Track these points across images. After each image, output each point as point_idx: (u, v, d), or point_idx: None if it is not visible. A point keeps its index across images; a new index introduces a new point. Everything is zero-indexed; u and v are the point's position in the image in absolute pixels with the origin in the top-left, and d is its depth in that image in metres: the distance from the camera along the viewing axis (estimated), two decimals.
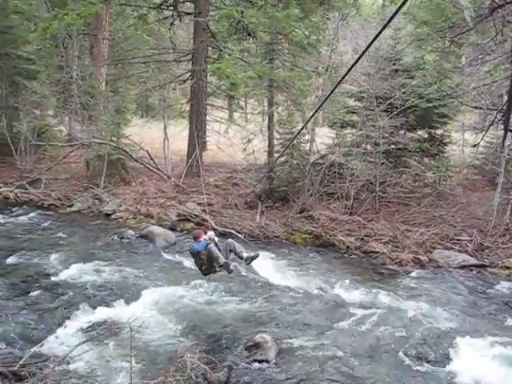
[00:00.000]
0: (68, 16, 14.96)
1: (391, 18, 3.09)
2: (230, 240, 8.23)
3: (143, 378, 5.86)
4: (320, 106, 8.40)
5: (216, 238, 7.99)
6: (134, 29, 18.97)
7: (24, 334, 7.08)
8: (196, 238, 7.99)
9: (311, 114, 14.77)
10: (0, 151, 19.23)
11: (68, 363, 6.04)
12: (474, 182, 15.73)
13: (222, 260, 7.46)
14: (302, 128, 10.02)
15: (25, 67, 20.67)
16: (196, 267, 8.03)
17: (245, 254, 7.90)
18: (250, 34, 15.83)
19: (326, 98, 10.50)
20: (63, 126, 22.92)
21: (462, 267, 10.66)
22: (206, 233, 8.08)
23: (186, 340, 7.00)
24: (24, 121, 17.78)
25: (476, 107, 11.14)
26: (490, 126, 8.07)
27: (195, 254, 7.81)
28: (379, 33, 3.15)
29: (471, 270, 10.60)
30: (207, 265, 7.72)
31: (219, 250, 7.67)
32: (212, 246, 7.64)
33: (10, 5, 20.10)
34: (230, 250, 7.93)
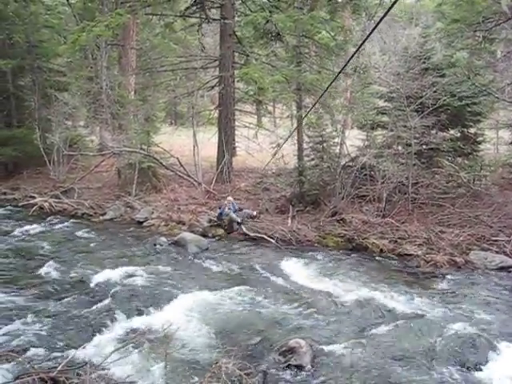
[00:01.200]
0: (96, 28, 15.24)
1: (383, 17, 3.04)
2: (245, 210, 12.85)
3: None
4: (328, 87, 8.17)
5: (234, 201, 12.87)
6: (162, 37, 19.18)
7: (61, 340, 7.16)
8: (220, 208, 12.79)
9: (340, 116, 14.69)
10: (34, 162, 19.72)
11: (104, 369, 6.08)
12: (511, 181, 15.32)
13: (239, 219, 12.22)
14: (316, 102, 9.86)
15: (56, 79, 21.20)
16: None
17: (254, 213, 12.81)
18: (278, 36, 15.79)
19: (334, 80, 10.30)
20: (94, 135, 23.35)
21: (500, 269, 10.36)
22: (226, 198, 13.06)
23: (221, 346, 6.95)
24: (56, 132, 18.17)
25: None
26: None
27: (219, 218, 12.45)
28: (373, 29, 3.12)
29: (510, 271, 10.29)
30: (228, 226, 12.32)
31: (235, 212, 12.53)
32: (231, 212, 12.50)
33: (40, 19, 20.72)
34: (251, 216, 12.78)
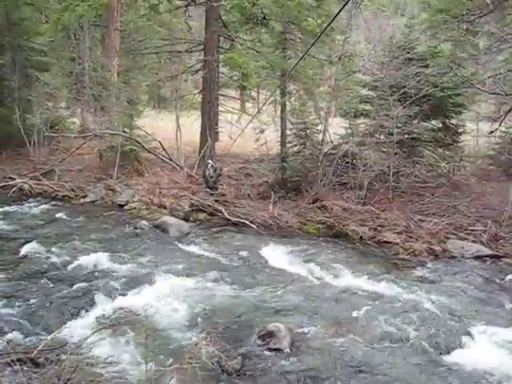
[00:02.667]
0: (79, 7, 15.00)
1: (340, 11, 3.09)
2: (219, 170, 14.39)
3: (158, 365, 5.89)
4: (290, 72, 8.15)
5: (213, 163, 14.46)
6: (146, 19, 18.93)
7: (40, 321, 7.13)
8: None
9: (324, 104, 14.72)
10: (14, 143, 19.35)
11: (84, 350, 6.09)
12: (489, 172, 15.61)
13: (209, 182, 13.93)
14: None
15: (37, 59, 20.72)
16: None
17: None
18: (262, 24, 15.71)
19: (301, 58, 10.34)
20: (76, 117, 23.04)
21: (476, 257, 10.56)
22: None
23: (201, 328, 7.02)
24: (37, 113, 17.83)
25: (494, 93, 11.01)
26: (509, 111, 7.94)
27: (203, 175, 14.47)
28: (329, 24, 3.16)
29: (485, 260, 10.51)
30: (204, 182, 14.10)
31: (214, 171, 14.14)
32: (206, 171, 14.06)
33: None
34: (219, 175, 14.35)
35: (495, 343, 6.88)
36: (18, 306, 7.57)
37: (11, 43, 20.07)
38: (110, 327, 6.44)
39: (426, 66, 14.04)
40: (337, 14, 3.19)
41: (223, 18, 17.99)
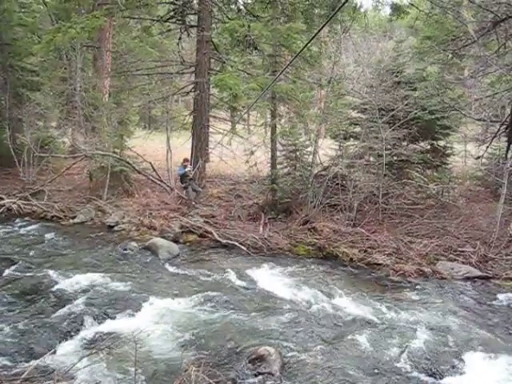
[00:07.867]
0: (72, 29, 15.03)
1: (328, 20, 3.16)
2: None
3: None
4: (269, 86, 8.26)
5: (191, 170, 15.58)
6: (139, 41, 19.05)
7: (26, 346, 7.03)
8: (183, 163, 15.51)
9: (314, 126, 14.84)
10: (3, 163, 19.30)
11: (72, 376, 6.01)
12: (477, 194, 15.72)
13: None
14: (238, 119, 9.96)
15: (28, 79, 20.80)
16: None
17: (197, 188, 15.39)
18: (255, 48, 15.87)
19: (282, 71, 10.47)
20: (66, 137, 23.00)
21: (466, 279, 10.62)
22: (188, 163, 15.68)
23: (190, 353, 6.96)
24: (27, 132, 17.82)
25: (479, 119, 11.19)
26: (494, 137, 8.08)
27: (180, 175, 15.36)
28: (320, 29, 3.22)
29: (475, 281, 10.55)
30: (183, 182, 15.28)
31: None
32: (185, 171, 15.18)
33: (14, 17, 20.29)
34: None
35: (486, 365, 6.88)
36: (3, 330, 7.47)
37: (3, 63, 20.18)
38: (98, 353, 6.35)
39: (414, 90, 14.25)
40: (319, 30, 3.26)
41: (214, 40, 18.16)
